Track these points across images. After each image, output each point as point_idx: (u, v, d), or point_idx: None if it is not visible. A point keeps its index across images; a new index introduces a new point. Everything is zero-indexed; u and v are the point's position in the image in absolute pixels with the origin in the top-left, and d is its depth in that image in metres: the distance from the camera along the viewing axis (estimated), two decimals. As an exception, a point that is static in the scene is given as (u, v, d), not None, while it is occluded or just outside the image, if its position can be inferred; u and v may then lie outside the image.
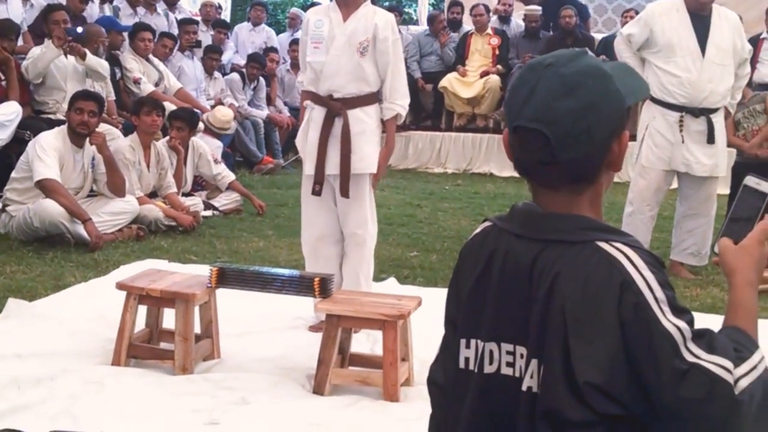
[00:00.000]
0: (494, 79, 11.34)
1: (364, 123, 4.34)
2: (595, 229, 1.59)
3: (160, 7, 10.92)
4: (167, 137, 7.61)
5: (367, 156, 4.35)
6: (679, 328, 1.49)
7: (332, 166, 4.32)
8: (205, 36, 11.24)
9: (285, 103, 11.60)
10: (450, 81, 11.46)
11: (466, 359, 1.67)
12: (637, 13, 11.43)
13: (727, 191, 6.59)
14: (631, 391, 1.50)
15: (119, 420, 3.31)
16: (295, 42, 11.97)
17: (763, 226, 1.65)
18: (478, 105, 11.52)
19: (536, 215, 1.64)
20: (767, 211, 1.69)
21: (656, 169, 5.77)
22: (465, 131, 11.65)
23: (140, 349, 3.92)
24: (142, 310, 3.98)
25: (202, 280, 3.93)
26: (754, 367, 1.50)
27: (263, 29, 12.76)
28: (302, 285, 3.75)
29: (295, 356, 4.06)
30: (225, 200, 7.87)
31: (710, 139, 5.67)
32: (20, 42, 8.13)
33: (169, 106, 8.13)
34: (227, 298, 4.22)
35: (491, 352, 1.62)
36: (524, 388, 1.58)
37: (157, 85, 9.18)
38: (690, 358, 1.47)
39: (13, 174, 6.36)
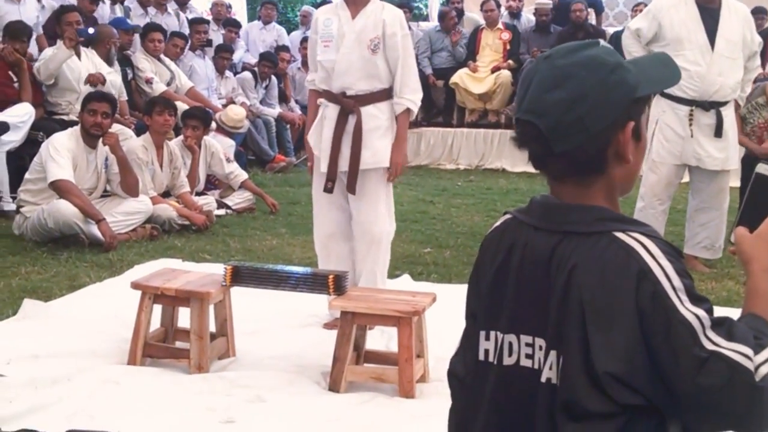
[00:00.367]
0: (505, 74, 11.32)
1: (378, 119, 4.33)
2: (611, 219, 1.59)
3: (171, 6, 10.94)
4: (180, 136, 7.64)
5: (379, 151, 4.34)
6: (697, 316, 1.48)
7: (345, 163, 4.32)
8: (216, 35, 11.26)
9: (296, 101, 11.61)
10: (461, 77, 11.45)
11: (486, 351, 1.67)
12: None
13: (738, 183, 6.57)
14: (651, 381, 1.50)
15: (136, 419, 3.32)
16: (306, 40, 11.98)
17: None
18: (489, 100, 11.50)
19: (552, 207, 1.64)
20: None
21: (667, 163, 5.72)
22: (477, 127, 11.64)
23: (156, 348, 3.93)
24: (157, 309, 3.99)
25: (216, 278, 3.93)
26: None
27: (274, 27, 12.77)
28: (316, 282, 3.75)
29: (310, 354, 4.06)
30: (238, 199, 7.88)
31: (718, 132, 5.62)
32: (33, 44, 8.18)
33: (181, 106, 8.16)
34: (242, 297, 4.23)
35: (510, 344, 1.62)
36: (543, 379, 1.57)
37: (168, 84, 9.21)
38: (709, 346, 1.47)
39: (27, 175, 6.38)
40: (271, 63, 10.97)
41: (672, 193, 5.92)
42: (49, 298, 4.82)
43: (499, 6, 11.77)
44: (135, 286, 3.89)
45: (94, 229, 6.05)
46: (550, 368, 1.57)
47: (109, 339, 4.15)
